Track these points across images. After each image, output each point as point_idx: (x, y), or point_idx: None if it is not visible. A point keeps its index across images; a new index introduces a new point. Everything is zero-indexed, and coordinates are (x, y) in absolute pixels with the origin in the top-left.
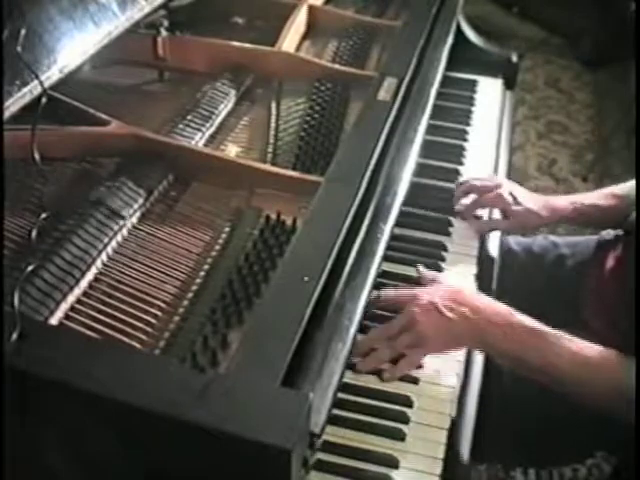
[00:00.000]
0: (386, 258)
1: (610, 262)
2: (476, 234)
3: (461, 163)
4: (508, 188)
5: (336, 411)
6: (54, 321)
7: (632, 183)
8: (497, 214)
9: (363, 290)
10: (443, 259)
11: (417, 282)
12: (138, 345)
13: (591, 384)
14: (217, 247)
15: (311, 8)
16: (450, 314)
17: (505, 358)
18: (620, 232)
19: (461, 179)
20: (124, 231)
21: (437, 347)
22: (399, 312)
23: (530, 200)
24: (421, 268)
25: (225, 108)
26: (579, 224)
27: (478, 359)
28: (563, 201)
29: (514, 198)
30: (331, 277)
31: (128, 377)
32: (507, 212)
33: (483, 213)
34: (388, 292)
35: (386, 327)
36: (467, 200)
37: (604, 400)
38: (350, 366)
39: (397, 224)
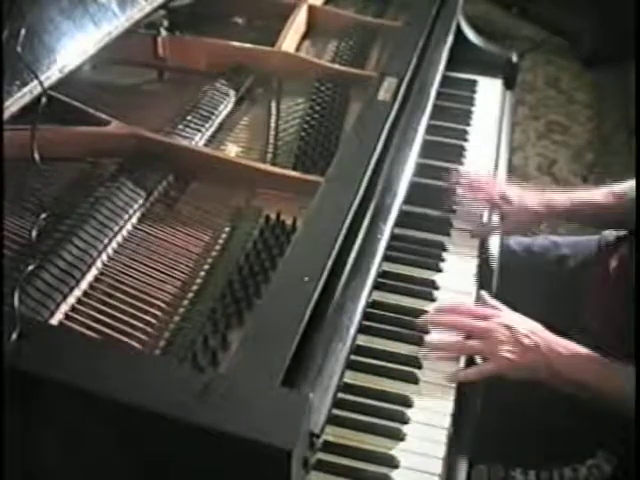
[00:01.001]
0: (386, 258)
1: (614, 262)
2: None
3: (461, 163)
4: (500, 189)
5: (336, 411)
6: (54, 321)
7: (631, 183)
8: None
9: (363, 290)
10: (443, 259)
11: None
12: (138, 345)
13: None
14: (217, 247)
15: (311, 8)
16: (526, 340)
17: (570, 386)
18: (622, 232)
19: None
20: (124, 231)
21: (502, 366)
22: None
23: (526, 197)
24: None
25: (225, 108)
26: (577, 221)
27: (478, 359)
28: (561, 197)
29: (506, 199)
30: (331, 277)
31: (128, 377)
32: (501, 212)
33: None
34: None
35: (463, 322)
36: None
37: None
38: (350, 366)
39: (397, 224)
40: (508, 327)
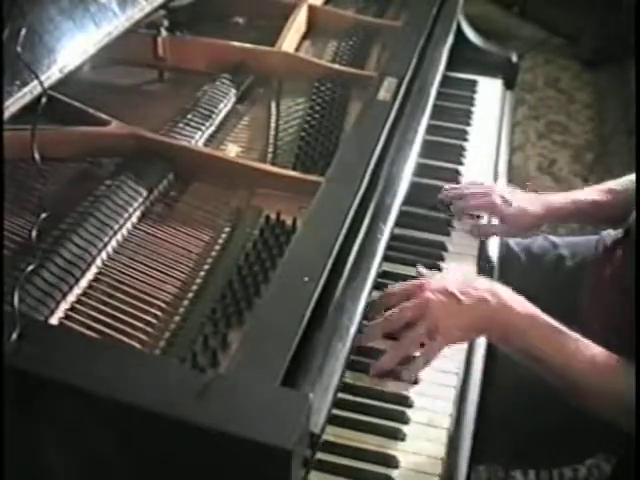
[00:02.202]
0: (386, 258)
1: (610, 263)
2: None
3: (461, 163)
4: (500, 192)
5: (336, 411)
6: (54, 321)
7: (628, 178)
8: (495, 220)
9: (363, 290)
10: (443, 259)
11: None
12: (138, 345)
13: (602, 391)
14: (217, 247)
15: (311, 8)
16: (466, 298)
17: (521, 351)
18: (620, 233)
19: (449, 186)
20: (124, 231)
21: (453, 335)
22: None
23: (525, 201)
24: (421, 268)
25: (225, 108)
26: (577, 222)
27: (478, 359)
28: (560, 198)
29: (506, 201)
30: (331, 277)
31: (128, 377)
32: (501, 216)
33: (482, 219)
34: (391, 288)
35: (394, 317)
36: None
37: (610, 409)
38: (350, 366)
39: (397, 224)
40: (442, 291)
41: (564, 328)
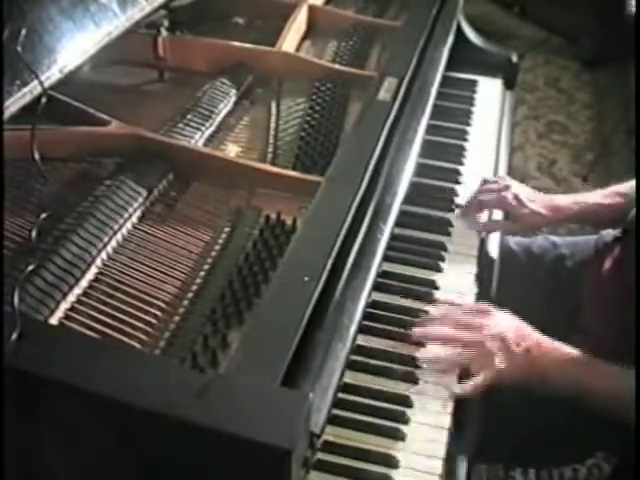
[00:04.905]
0: (386, 258)
1: (609, 262)
2: (478, 235)
3: (461, 163)
4: (513, 190)
5: (336, 411)
6: (54, 321)
7: (630, 183)
8: (498, 215)
9: (363, 290)
10: (443, 259)
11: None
12: (138, 345)
13: None
14: (217, 247)
15: (311, 8)
16: (516, 348)
17: (565, 389)
18: (619, 233)
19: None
20: (124, 231)
21: (497, 375)
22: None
23: (534, 201)
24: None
25: (225, 108)
26: (583, 223)
27: None
28: (567, 200)
29: (519, 201)
30: (331, 277)
31: (128, 377)
32: (512, 215)
33: (484, 214)
34: (453, 313)
35: (450, 334)
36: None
37: None
38: (350, 366)
39: (397, 224)
40: (499, 338)
41: (597, 360)
